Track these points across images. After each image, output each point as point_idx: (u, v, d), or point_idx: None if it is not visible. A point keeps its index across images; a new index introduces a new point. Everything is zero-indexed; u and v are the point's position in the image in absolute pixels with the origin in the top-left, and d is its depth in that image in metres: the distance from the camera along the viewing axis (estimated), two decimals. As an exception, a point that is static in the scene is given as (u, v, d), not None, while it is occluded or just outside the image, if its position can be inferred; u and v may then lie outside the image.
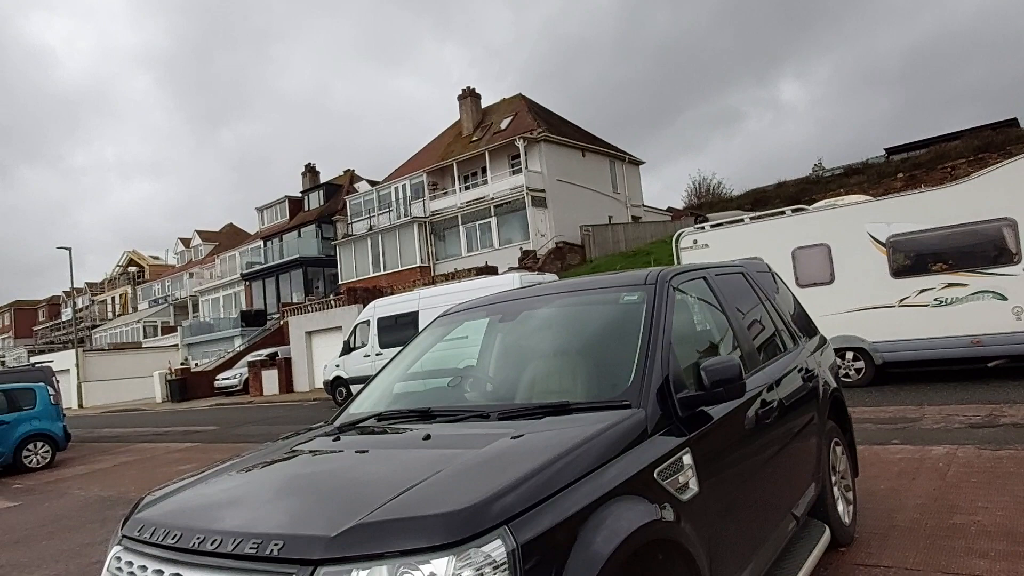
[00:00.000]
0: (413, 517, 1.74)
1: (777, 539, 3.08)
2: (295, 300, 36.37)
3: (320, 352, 26.76)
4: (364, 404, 3.35)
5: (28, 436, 12.95)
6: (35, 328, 71.67)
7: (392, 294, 23.51)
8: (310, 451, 2.63)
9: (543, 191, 30.17)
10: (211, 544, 1.86)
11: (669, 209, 42.89)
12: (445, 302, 15.96)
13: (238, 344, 36.89)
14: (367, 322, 17.89)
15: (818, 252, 10.42)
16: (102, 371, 40.00)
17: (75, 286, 46.27)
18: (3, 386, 13.83)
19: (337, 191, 42.50)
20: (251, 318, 38.49)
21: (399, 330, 16.93)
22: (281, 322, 34.08)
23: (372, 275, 33.91)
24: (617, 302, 3.09)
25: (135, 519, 2.23)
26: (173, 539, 1.97)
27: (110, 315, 62.32)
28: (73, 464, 13.39)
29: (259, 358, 29.19)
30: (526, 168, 29.94)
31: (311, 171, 45.57)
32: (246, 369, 29.92)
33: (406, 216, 33.63)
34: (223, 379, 30.99)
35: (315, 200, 43.24)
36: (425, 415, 2.77)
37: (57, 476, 12.06)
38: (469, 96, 35.72)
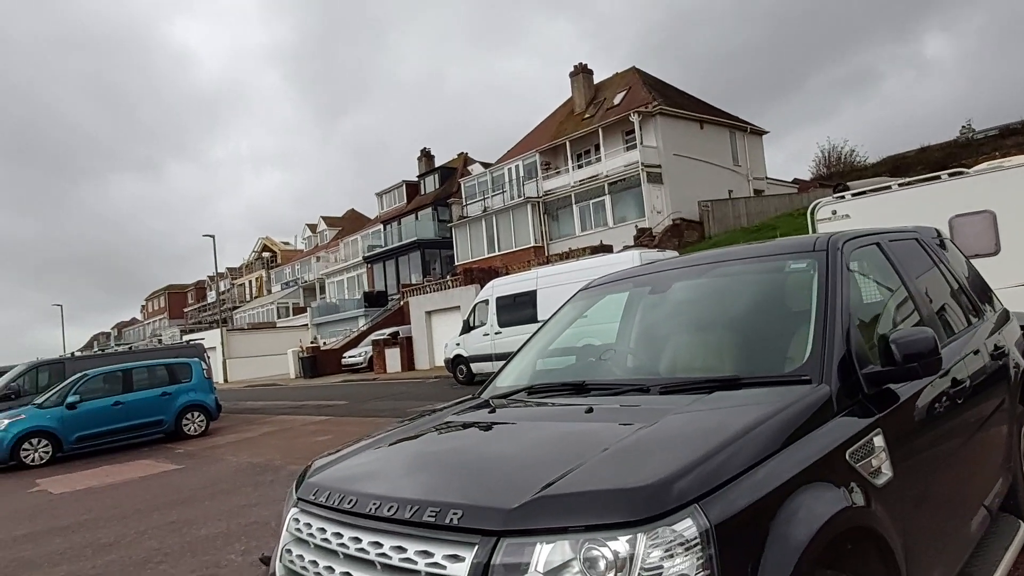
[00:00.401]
0: (598, 491, 1.65)
1: (970, 534, 2.76)
2: (414, 281, 37.66)
3: (439, 331, 27.57)
4: (508, 378, 3.33)
5: (187, 406, 14.22)
6: (185, 310, 78.85)
7: (507, 274, 23.77)
8: (469, 423, 2.62)
9: (659, 166, 29.31)
10: (388, 510, 1.87)
11: (795, 181, 40.48)
12: (562, 281, 15.97)
13: (362, 324, 38.75)
14: (486, 301, 18.16)
15: (981, 220, 9.36)
16: (243, 349, 43.41)
17: (218, 271, 50.33)
18: (165, 361, 15.26)
19: (451, 174, 43.43)
20: (373, 299, 40.28)
21: (517, 309, 17.07)
22: (401, 302, 35.42)
23: (487, 256, 34.43)
24: (782, 270, 2.85)
25: (309, 483, 2.30)
26: (349, 504, 2.01)
27: (248, 297, 67.40)
28: (224, 433, 14.57)
29: (382, 337, 30.50)
30: (641, 143, 29.17)
31: (426, 156, 46.83)
32: (370, 347, 31.37)
33: (519, 197, 33.80)
34: (349, 357, 32.68)
35: (431, 184, 44.42)
36: (579, 388, 2.69)
37: (211, 443, 13.17)
38: (581, 72, 35.21)
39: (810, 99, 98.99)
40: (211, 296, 69.68)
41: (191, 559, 5.48)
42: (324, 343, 38.66)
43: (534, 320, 16.50)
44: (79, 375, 13.74)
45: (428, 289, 30.98)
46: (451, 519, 1.73)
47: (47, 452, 12.58)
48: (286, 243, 69.08)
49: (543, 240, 32.77)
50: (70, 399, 12.96)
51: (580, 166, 32.28)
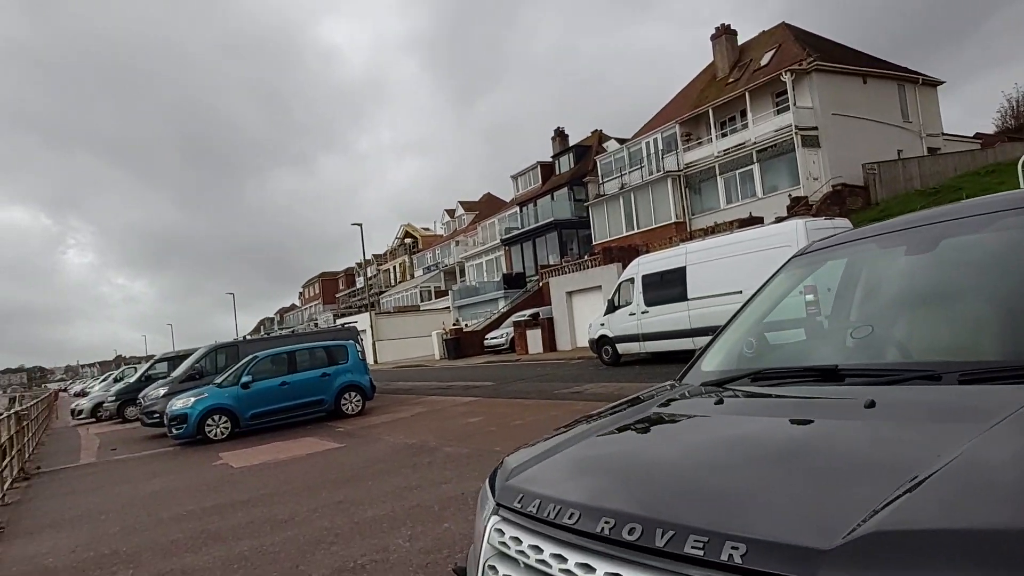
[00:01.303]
0: (987, 532, 1.11)
1: None
2: (551, 262, 37.49)
3: (580, 311, 27.17)
4: (714, 361, 2.79)
5: (344, 387, 14.84)
6: (337, 295, 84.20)
7: (648, 252, 22.85)
8: (697, 417, 2.13)
9: (815, 129, 26.87)
10: (629, 533, 1.43)
11: (976, 136, 35.77)
12: (715, 256, 14.93)
13: (502, 305, 39.23)
14: (631, 280, 17.46)
15: None
16: (390, 331, 45.52)
17: (365, 258, 53.06)
18: (325, 343, 16.03)
19: (586, 152, 42.66)
20: (512, 280, 40.63)
21: (665, 287, 16.25)
22: (540, 283, 35.41)
23: (625, 234, 33.48)
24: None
25: (510, 487, 1.92)
26: (571, 518, 1.59)
27: (392, 282, 70.70)
28: (378, 413, 15.08)
29: (523, 318, 30.60)
30: (794, 105, 26.86)
31: (560, 135, 46.35)
32: (511, 329, 31.61)
33: (659, 171, 32.46)
34: (491, 338, 33.16)
35: (565, 163, 43.92)
36: (829, 374, 2.10)
37: (368, 423, 13.63)
38: (723, 34, 33.04)
39: (989, 42, 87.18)
40: (359, 282, 73.85)
41: (360, 541, 5.44)
42: (466, 325, 39.57)
43: (683, 298, 15.64)
44: (250, 357, 14.73)
45: (567, 269, 30.65)
46: (729, 555, 1.25)
47: (227, 428, 13.60)
48: (426, 229, 71.62)
49: (684, 215, 31.30)
50: (244, 379, 13.91)
51: (724, 135, 30.37)
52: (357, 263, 76.43)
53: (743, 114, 29.68)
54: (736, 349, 2.83)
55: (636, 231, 32.99)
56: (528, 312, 31.48)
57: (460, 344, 34.95)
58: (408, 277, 67.03)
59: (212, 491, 8.51)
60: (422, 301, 56.80)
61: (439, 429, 11.39)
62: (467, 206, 61.56)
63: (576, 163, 42.91)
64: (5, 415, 11.88)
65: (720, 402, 2.14)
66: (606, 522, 1.51)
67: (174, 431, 13.54)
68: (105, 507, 8.41)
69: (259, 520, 6.58)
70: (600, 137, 43.93)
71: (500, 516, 1.88)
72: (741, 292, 14.27)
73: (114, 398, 23.07)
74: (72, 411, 26.76)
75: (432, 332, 39.31)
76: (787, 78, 27.10)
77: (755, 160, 28.39)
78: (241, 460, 10.68)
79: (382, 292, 68.39)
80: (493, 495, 2.01)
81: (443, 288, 55.89)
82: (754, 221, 22.97)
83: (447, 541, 5.13)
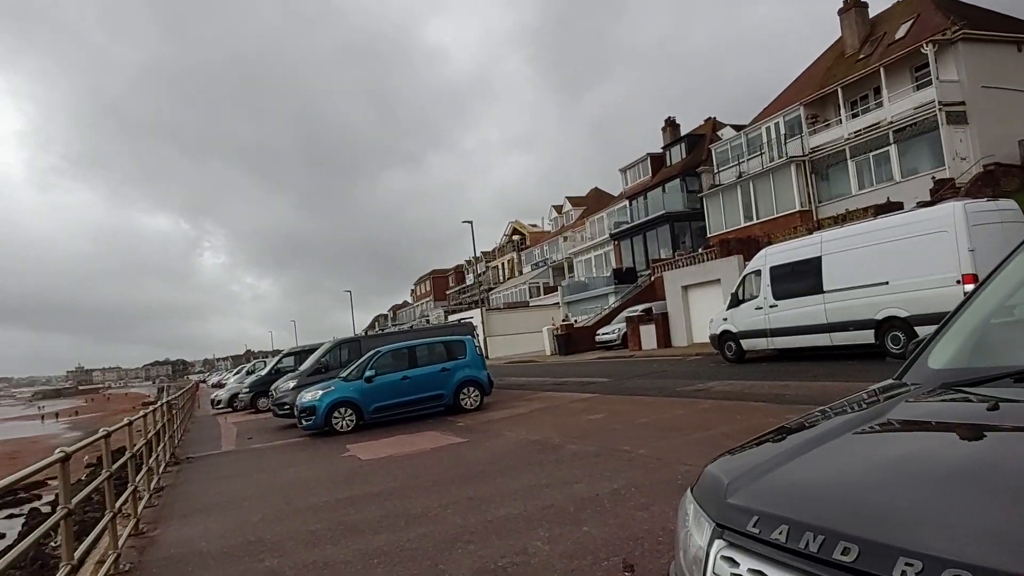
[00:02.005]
0: None
1: None
2: (663, 256, 36.38)
3: (697, 306, 26.11)
4: (946, 355, 2.31)
5: (463, 381, 14.91)
6: (447, 292, 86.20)
7: (770, 243, 21.53)
8: (964, 422, 1.71)
9: (962, 104, 24.34)
10: None
11: None
12: (856, 244, 13.73)
13: (612, 301, 38.54)
14: (757, 272, 16.46)
15: None
16: (500, 327, 45.93)
17: (475, 255, 53.88)
18: (444, 339, 16.22)
19: (699, 142, 41.06)
20: (622, 275, 39.82)
21: (797, 279, 15.17)
22: (652, 278, 34.44)
23: (743, 225, 31.89)
24: None
25: (737, 508, 1.59)
26: (846, 555, 1.24)
27: (501, 279, 71.43)
28: (496, 408, 15.03)
29: (635, 313, 29.85)
30: (937, 79, 24.44)
31: (671, 125, 44.92)
32: (624, 324, 30.93)
33: (780, 157, 30.64)
34: (603, 334, 32.60)
35: (677, 154, 42.50)
36: None
37: (487, 418, 13.59)
38: (852, 7, 30.64)
39: None
40: (469, 278, 75.19)
41: (497, 541, 5.26)
42: (576, 321, 39.20)
43: (818, 290, 14.54)
44: (373, 352, 15.11)
45: (681, 263, 29.59)
46: None
47: (352, 420, 14.02)
48: (534, 225, 71.81)
49: (810, 203, 29.34)
50: (367, 373, 14.28)
51: (855, 115, 28.15)
52: (467, 260, 77.89)
53: (877, 92, 27.38)
54: (972, 342, 2.35)
55: (756, 221, 31.33)
56: (640, 307, 30.68)
57: (571, 340, 34.63)
58: (516, 273, 67.48)
59: (344, 483, 8.68)
60: (531, 297, 56.96)
61: (560, 425, 11.14)
62: (574, 201, 61.09)
63: (688, 153, 41.40)
64: (158, 404, 12.79)
65: (995, 407, 1.70)
66: (908, 564, 1.15)
67: (303, 422, 14.11)
68: (246, 494, 8.78)
69: (392, 514, 6.58)
70: (714, 125, 42.16)
71: (727, 541, 1.56)
72: (888, 283, 13.07)
73: (248, 390, 24.58)
74: (212, 401, 28.82)
75: (542, 328, 39.24)
76: (928, 50, 24.69)
77: (891, 141, 26.10)
78: (368, 453, 10.90)
79: (491, 288, 69.26)
80: (707, 514, 1.69)
81: (552, 284, 55.76)
82: (893, 207, 21.11)
83: (589, 547, 4.84)
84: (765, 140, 32.19)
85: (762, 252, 16.93)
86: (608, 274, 42.61)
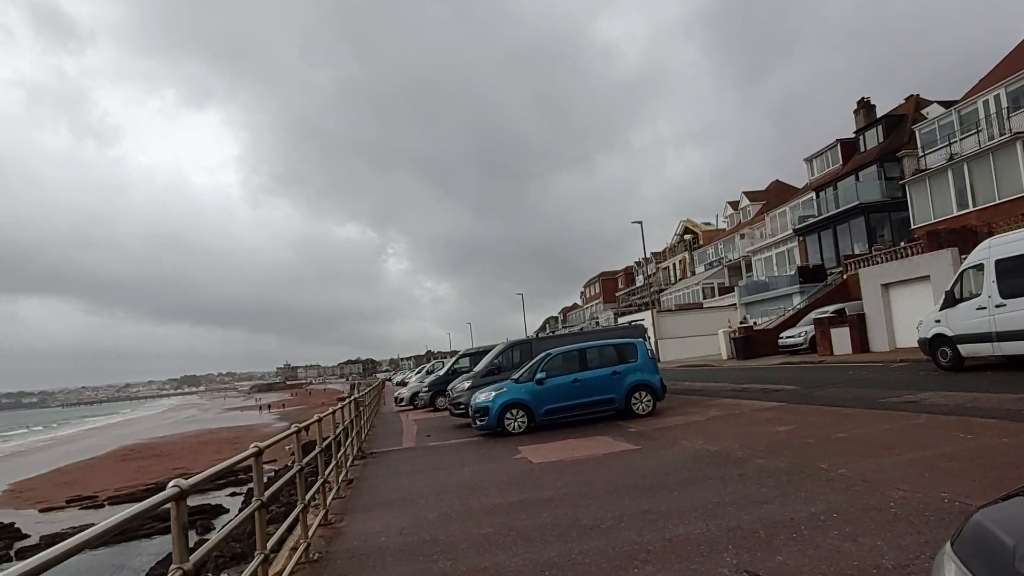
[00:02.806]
0: None
1: None
2: (856, 251, 32.97)
3: (901, 306, 23.26)
4: None
5: (635, 386, 14.39)
6: (616, 294, 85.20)
7: (991, 234, 18.54)
8: None
9: None
10: None
11: None
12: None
13: (796, 301, 35.65)
14: (979, 266, 14.20)
15: None
16: (672, 329, 44.34)
17: (645, 255, 52.63)
18: (615, 341, 15.82)
19: (899, 123, 36.73)
20: (808, 274, 36.71)
21: (1033, 274, 12.87)
22: (844, 276, 31.35)
23: (956, 214, 27.93)
24: None
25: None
26: None
27: (672, 280, 69.17)
28: (669, 414, 14.33)
29: (825, 315, 27.28)
30: None
31: (864, 106, 40.62)
32: (811, 327, 28.41)
33: (1003, 134, 26.43)
34: (787, 337, 30.21)
35: (872, 138, 38.34)
36: None
37: (660, 424, 12.97)
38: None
39: None
40: (639, 280, 73.70)
41: (677, 564, 4.82)
42: (755, 323, 36.77)
43: (1063, 287, 12.19)
44: (544, 354, 15.09)
45: (879, 259, 26.57)
46: None
47: (523, 422, 14.07)
48: (707, 223, 68.73)
49: (1043, 186, 24.99)
50: (539, 375, 14.27)
51: (1104, 77, 23.55)
52: (636, 261, 76.44)
53: None
54: None
55: (972, 209, 27.30)
56: (831, 308, 27.98)
57: (750, 343, 32.49)
58: (688, 274, 64.97)
59: (516, 485, 8.62)
60: (705, 298, 54.49)
61: (743, 436, 10.29)
62: (752, 196, 57.50)
63: (886, 136, 37.15)
64: (349, 400, 13.73)
65: None
66: None
67: (477, 423, 14.41)
68: (424, 491, 9.03)
69: (564, 523, 6.34)
70: (917, 103, 37.51)
71: None
72: None
73: (427, 389, 25.84)
74: (395, 399, 30.71)
75: (718, 330, 37.26)
76: None
77: None
78: (539, 456, 10.81)
79: (662, 290, 67.31)
80: None
81: (727, 284, 52.91)
82: None
83: (786, 581, 4.25)
84: (982, 116, 27.98)
85: (985, 243, 14.58)
86: (792, 273, 39.49)
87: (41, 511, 20.44)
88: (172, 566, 3.02)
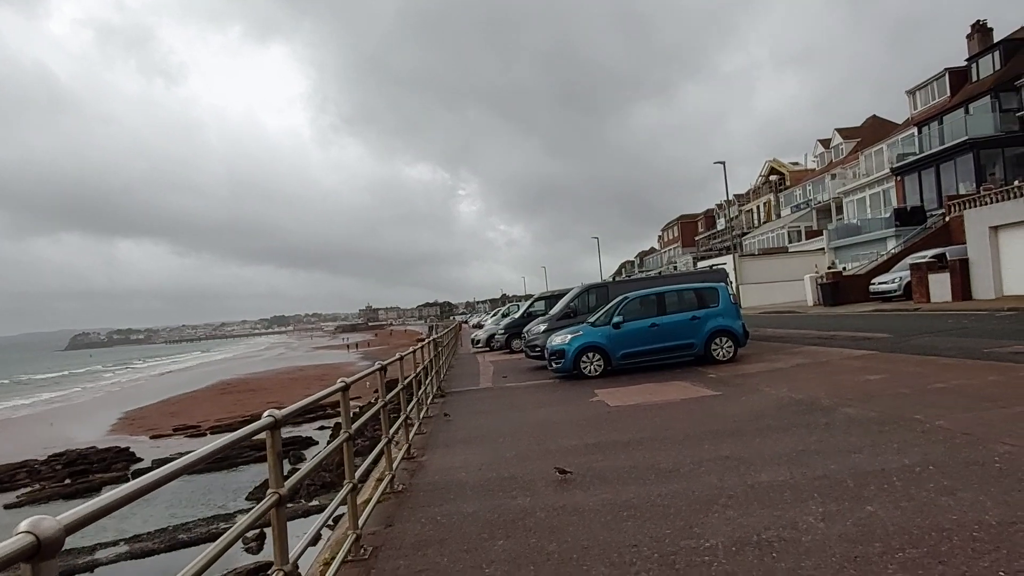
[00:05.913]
0: None
1: None
2: (963, 192, 30.59)
3: (1012, 250, 21.57)
4: None
5: (715, 331, 14.06)
6: (696, 238, 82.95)
7: None
8: None
9: None
10: None
11: None
12: None
13: (891, 246, 33.67)
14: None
15: None
16: (755, 274, 42.90)
17: (728, 197, 50.68)
18: (694, 285, 15.45)
19: (1020, 48, 33.27)
20: (906, 216, 34.46)
21: None
22: (946, 218, 29.26)
23: (1082, 149, 25.35)
24: None
25: None
26: None
27: (755, 223, 66.55)
28: (751, 361, 13.96)
29: (923, 260, 25.67)
30: None
31: (980, 30, 36.87)
32: (906, 273, 26.83)
33: None
34: (879, 283, 28.69)
35: (987, 66, 34.91)
36: None
37: (741, 371, 12.67)
38: None
39: None
40: (720, 223, 71.32)
41: (760, 510, 4.72)
42: (845, 268, 35.05)
43: None
44: (621, 298, 14.90)
45: (989, 199, 24.55)
46: None
47: (600, 366, 14.05)
48: (795, 163, 65.29)
49: None
50: (615, 319, 14.15)
51: None
52: (718, 204, 73.90)
53: None
54: None
55: (1101, 144, 24.70)
56: (930, 252, 26.27)
57: (838, 289, 31.04)
58: (773, 217, 62.28)
59: (592, 427, 8.67)
60: (790, 242, 52.25)
61: (830, 385, 9.91)
62: (845, 133, 53.93)
63: (1005, 62, 33.69)
64: (427, 341, 14.08)
65: None
66: None
67: (553, 365, 14.51)
68: (502, 430, 9.22)
69: (642, 466, 6.33)
70: (1042, 25, 33.78)
71: None
72: None
73: (503, 331, 26.18)
74: (472, 340, 31.32)
75: (804, 276, 35.77)
76: None
77: None
78: (616, 399, 10.80)
79: (744, 233, 64.95)
80: None
81: (815, 228, 50.45)
82: None
83: (878, 532, 4.09)
84: (1122, 36, 24.92)
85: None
86: (888, 215, 37.17)
87: (151, 437, 22.29)
88: (269, 490, 3.18)
